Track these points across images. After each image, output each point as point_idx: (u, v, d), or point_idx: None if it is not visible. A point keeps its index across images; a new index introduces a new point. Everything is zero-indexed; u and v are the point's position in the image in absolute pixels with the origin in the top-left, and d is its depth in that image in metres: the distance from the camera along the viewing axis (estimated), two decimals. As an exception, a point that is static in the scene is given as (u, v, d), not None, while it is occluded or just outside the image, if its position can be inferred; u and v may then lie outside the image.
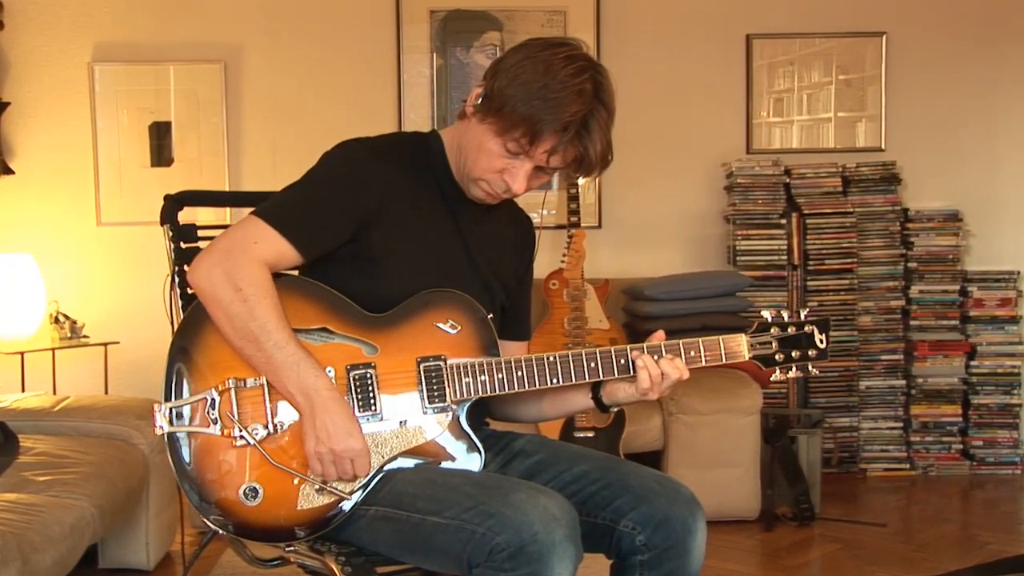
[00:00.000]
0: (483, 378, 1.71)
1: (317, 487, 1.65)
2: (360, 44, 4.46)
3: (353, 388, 1.67)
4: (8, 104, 4.29)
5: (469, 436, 1.72)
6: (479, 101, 1.71)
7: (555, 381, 1.72)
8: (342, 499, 1.66)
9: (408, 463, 1.70)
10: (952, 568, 3.12)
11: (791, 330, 1.79)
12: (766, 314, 1.80)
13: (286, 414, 1.66)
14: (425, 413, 1.70)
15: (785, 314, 1.80)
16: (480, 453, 1.72)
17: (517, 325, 1.95)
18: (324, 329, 1.69)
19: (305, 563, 1.76)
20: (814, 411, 4.05)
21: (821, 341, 1.80)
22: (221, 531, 1.66)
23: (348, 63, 4.46)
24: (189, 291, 1.72)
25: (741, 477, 3.65)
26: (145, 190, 4.33)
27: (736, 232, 4.37)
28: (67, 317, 4.10)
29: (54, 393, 3.97)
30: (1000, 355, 4.42)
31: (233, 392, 1.64)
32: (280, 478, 1.65)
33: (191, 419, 1.65)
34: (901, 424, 4.41)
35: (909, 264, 4.41)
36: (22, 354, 3.89)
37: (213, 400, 1.64)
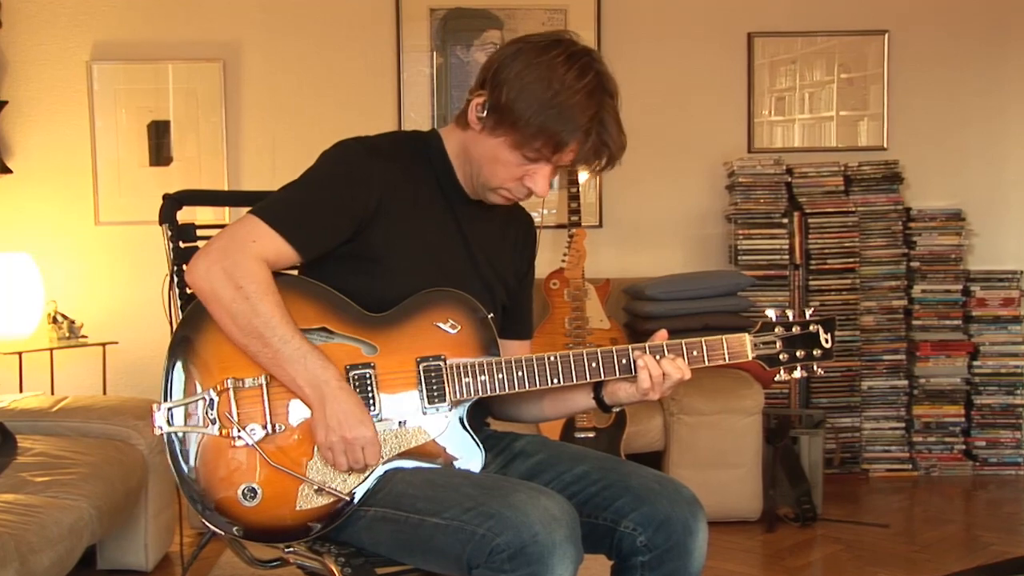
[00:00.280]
0: (483, 378, 1.70)
1: (316, 488, 1.64)
2: (360, 43, 4.45)
3: (352, 388, 1.66)
4: (6, 103, 4.27)
5: (469, 436, 1.72)
6: (483, 113, 1.70)
7: (556, 381, 1.71)
8: (341, 500, 1.65)
9: (408, 464, 1.69)
10: (955, 569, 3.11)
11: (796, 329, 1.77)
12: (770, 313, 1.78)
13: (284, 414, 1.65)
14: (425, 413, 1.69)
15: (790, 313, 1.78)
16: (480, 454, 1.72)
17: (518, 324, 1.94)
18: (323, 329, 1.68)
19: (304, 564, 1.75)
20: (816, 411, 4.04)
21: (826, 341, 1.78)
22: (224, 533, 1.65)
23: (348, 62, 4.45)
24: (188, 291, 1.71)
25: (743, 478, 3.64)
26: (144, 189, 4.32)
27: (738, 231, 4.35)
28: (65, 317, 4.09)
29: (52, 393, 3.96)
30: (1003, 355, 4.40)
31: (231, 392, 1.64)
32: (279, 479, 1.64)
33: (190, 419, 1.64)
34: (903, 424, 4.40)
35: (911, 264, 4.40)
36: (20, 354, 3.88)
37: (212, 400, 1.63)
